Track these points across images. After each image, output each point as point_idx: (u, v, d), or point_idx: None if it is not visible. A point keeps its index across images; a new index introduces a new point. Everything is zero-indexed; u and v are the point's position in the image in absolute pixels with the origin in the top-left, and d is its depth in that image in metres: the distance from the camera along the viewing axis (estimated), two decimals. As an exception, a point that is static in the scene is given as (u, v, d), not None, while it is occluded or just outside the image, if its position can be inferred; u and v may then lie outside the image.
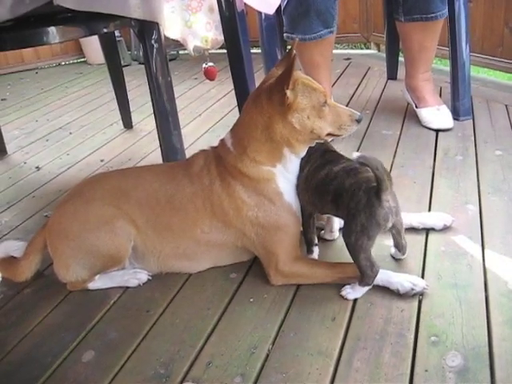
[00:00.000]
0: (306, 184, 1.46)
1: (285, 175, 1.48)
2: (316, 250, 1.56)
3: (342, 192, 1.34)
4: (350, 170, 1.36)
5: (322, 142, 1.49)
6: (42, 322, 1.46)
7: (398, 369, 1.15)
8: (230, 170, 1.48)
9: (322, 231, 1.66)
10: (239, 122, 1.51)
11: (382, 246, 1.52)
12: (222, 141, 1.55)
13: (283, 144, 1.44)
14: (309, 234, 1.55)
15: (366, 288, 1.37)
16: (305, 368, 1.19)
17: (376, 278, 1.36)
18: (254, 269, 1.57)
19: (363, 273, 1.34)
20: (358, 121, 1.46)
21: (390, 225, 1.33)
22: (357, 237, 1.30)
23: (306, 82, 1.41)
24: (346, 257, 1.53)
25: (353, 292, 1.38)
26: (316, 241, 1.57)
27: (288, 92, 1.36)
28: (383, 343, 1.23)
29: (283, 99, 1.37)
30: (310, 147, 1.49)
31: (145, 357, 1.29)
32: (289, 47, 2.92)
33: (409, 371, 1.14)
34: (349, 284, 1.40)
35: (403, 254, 1.50)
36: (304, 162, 1.49)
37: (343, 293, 1.39)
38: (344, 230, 1.36)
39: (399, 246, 1.48)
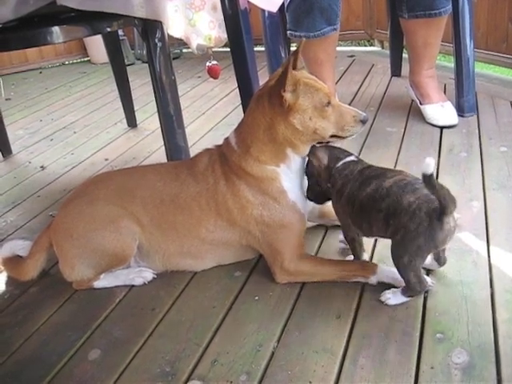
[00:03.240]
0: (348, 206, 1.37)
1: (288, 174, 1.48)
2: (364, 255, 1.49)
3: (400, 210, 1.23)
4: (405, 186, 1.26)
5: (326, 142, 1.47)
6: (48, 321, 1.47)
7: (404, 366, 1.15)
8: (234, 169, 1.48)
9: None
10: (243, 122, 1.51)
11: (388, 245, 1.51)
12: (227, 140, 1.55)
13: (286, 144, 1.43)
14: (356, 254, 1.48)
15: (408, 298, 1.32)
16: (310, 366, 1.19)
17: (381, 275, 1.37)
18: (258, 267, 1.57)
19: (412, 289, 1.29)
20: (363, 121, 1.44)
21: (446, 246, 1.28)
22: (410, 258, 1.23)
23: (308, 82, 1.40)
24: (351, 254, 1.53)
25: (393, 298, 1.33)
26: (364, 251, 1.48)
27: (286, 94, 1.36)
28: (388, 341, 1.22)
29: (282, 101, 1.37)
30: (346, 172, 1.40)
31: (150, 355, 1.29)
32: (292, 45, 2.92)
33: (414, 368, 1.14)
34: (389, 289, 1.35)
35: (440, 267, 1.42)
36: (341, 185, 1.39)
37: (383, 298, 1.34)
38: (396, 250, 1.26)
39: (440, 260, 1.41)
